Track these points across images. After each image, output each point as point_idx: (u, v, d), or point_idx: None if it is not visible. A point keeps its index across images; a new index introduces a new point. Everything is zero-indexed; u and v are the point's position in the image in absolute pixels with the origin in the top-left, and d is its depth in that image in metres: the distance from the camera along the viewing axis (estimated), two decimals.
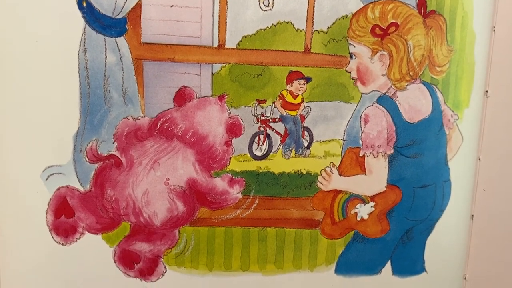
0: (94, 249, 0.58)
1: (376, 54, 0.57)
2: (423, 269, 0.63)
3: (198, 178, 0.57)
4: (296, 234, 0.61)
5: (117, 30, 0.54)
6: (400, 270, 0.63)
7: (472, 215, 0.64)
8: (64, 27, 0.52)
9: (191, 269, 0.60)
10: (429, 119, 0.59)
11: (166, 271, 0.60)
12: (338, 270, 0.62)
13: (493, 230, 0.64)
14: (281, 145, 0.59)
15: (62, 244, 0.57)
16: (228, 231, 0.60)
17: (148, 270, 0.59)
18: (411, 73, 0.58)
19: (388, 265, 0.63)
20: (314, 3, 0.55)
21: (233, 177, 0.59)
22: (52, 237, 0.57)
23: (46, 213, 0.57)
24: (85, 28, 0.53)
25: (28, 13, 0.51)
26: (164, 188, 0.57)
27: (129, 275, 0.59)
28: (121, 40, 0.54)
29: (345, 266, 0.62)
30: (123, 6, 0.53)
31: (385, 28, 0.56)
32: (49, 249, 0.57)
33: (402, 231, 0.62)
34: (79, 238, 0.58)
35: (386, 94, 0.58)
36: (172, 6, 0.53)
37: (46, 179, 0.56)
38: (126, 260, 0.59)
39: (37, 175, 0.55)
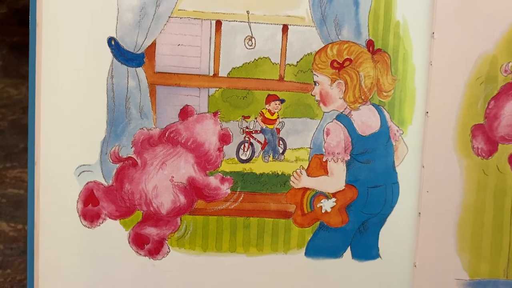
0: (113, 232, 0.69)
1: (334, 82, 0.70)
2: (378, 255, 0.73)
3: (196, 177, 0.70)
4: (273, 223, 0.72)
5: (137, 62, 0.68)
6: (358, 255, 0.73)
7: (419, 213, 0.73)
8: (97, 59, 0.67)
9: (189, 250, 0.70)
10: (378, 133, 0.72)
11: (169, 251, 0.70)
12: (307, 253, 0.72)
13: (437, 225, 0.74)
14: (262, 152, 0.71)
15: (88, 228, 0.69)
16: (219, 220, 0.71)
17: (155, 250, 0.70)
18: (362, 97, 0.71)
19: (348, 250, 0.73)
20: (286, 44, 0.69)
21: (224, 176, 0.70)
22: (81, 221, 0.68)
23: (77, 202, 0.68)
24: (112, 60, 0.67)
25: (72, 49, 0.66)
26: (169, 184, 0.69)
27: (140, 254, 0.70)
28: (140, 70, 0.68)
29: (313, 250, 0.72)
30: (142, 44, 0.67)
31: (341, 62, 0.70)
32: (78, 231, 0.68)
33: (359, 223, 0.73)
34: (102, 223, 0.69)
35: (343, 113, 0.71)
36: (179, 45, 0.68)
37: (78, 175, 0.68)
38: (138, 241, 0.70)
39: (71, 172, 0.68)
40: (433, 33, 0.71)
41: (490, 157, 0.72)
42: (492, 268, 0.73)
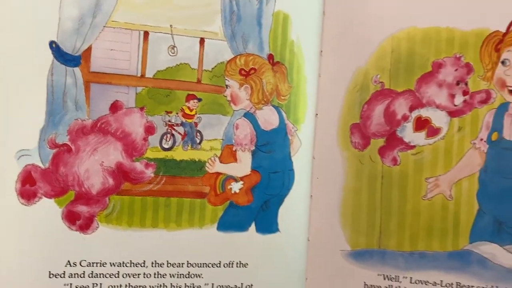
0: (48, 209, 0.75)
1: (242, 86, 0.82)
2: (277, 230, 0.84)
3: (124, 162, 0.78)
4: (191, 202, 0.80)
5: (74, 62, 0.75)
6: (261, 229, 0.83)
7: (311, 195, 0.85)
8: (39, 59, 0.74)
9: (116, 226, 0.77)
10: (277, 129, 0.84)
11: (98, 226, 0.77)
12: (219, 228, 0.81)
13: (325, 206, 0.85)
14: (182, 142, 0.80)
15: (25, 205, 0.74)
16: (143, 199, 0.78)
17: (86, 226, 0.76)
18: (265, 99, 0.84)
19: (253, 225, 0.83)
20: (203, 53, 0.81)
21: (148, 162, 0.78)
22: (19, 199, 0.74)
23: (16, 182, 0.73)
24: (53, 60, 0.75)
25: (19, 50, 0.74)
26: (100, 168, 0.77)
27: (72, 229, 0.76)
28: (77, 69, 0.76)
29: (223, 225, 0.82)
30: (79, 48, 0.76)
31: (248, 71, 0.82)
32: (16, 208, 0.74)
33: (262, 202, 0.84)
34: (38, 201, 0.75)
35: (249, 111, 0.83)
36: (112, 49, 0.77)
37: (18, 159, 0.74)
38: (70, 218, 0.76)
39: (12, 156, 0.74)
40: (321, 51, 0.86)
41: (364, 150, 0.85)
42: (368, 240, 0.84)
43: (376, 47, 0.86)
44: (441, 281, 0.83)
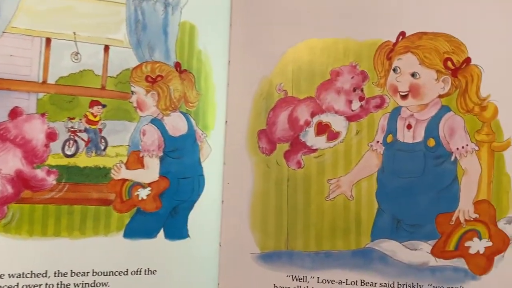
0: None
1: (149, 93, 0.84)
2: (187, 235, 0.84)
3: (23, 169, 0.77)
4: (95, 209, 0.80)
5: None
6: (170, 235, 0.83)
7: (223, 201, 0.87)
8: None
9: (15, 235, 0.76)
10: (186, 135, 0.86)
11: None
12: (126, 235, 0.81)
13: (236, 210, 0.86)
14: (85, 148, 0.81)
15: None
16: (45, 207, 0.78)
17: None
18: (172, 106, 0.86)
19: (162, 232, 0.83)
20: (107, 60, 0.82)
21: (50, 169, 0.78)
22: None
23: None
24: None
25: None
26: None
27: None
28: None
29: (130, 232, 0.81)
30: None
31: (154, 77, 0.85)
32: None
33: (171, 208, 0.84)
34: None
35: (157, 117, 0.85)
36: (11, 55, 0.78)
37: None
38: None
39: None
40: (229, 60, 0.90)
41: (271, 154, 0.88)
42: (276, 242, 0.86)
43: (279, 57, 0.91)
44: (346, 279, 0.87)
